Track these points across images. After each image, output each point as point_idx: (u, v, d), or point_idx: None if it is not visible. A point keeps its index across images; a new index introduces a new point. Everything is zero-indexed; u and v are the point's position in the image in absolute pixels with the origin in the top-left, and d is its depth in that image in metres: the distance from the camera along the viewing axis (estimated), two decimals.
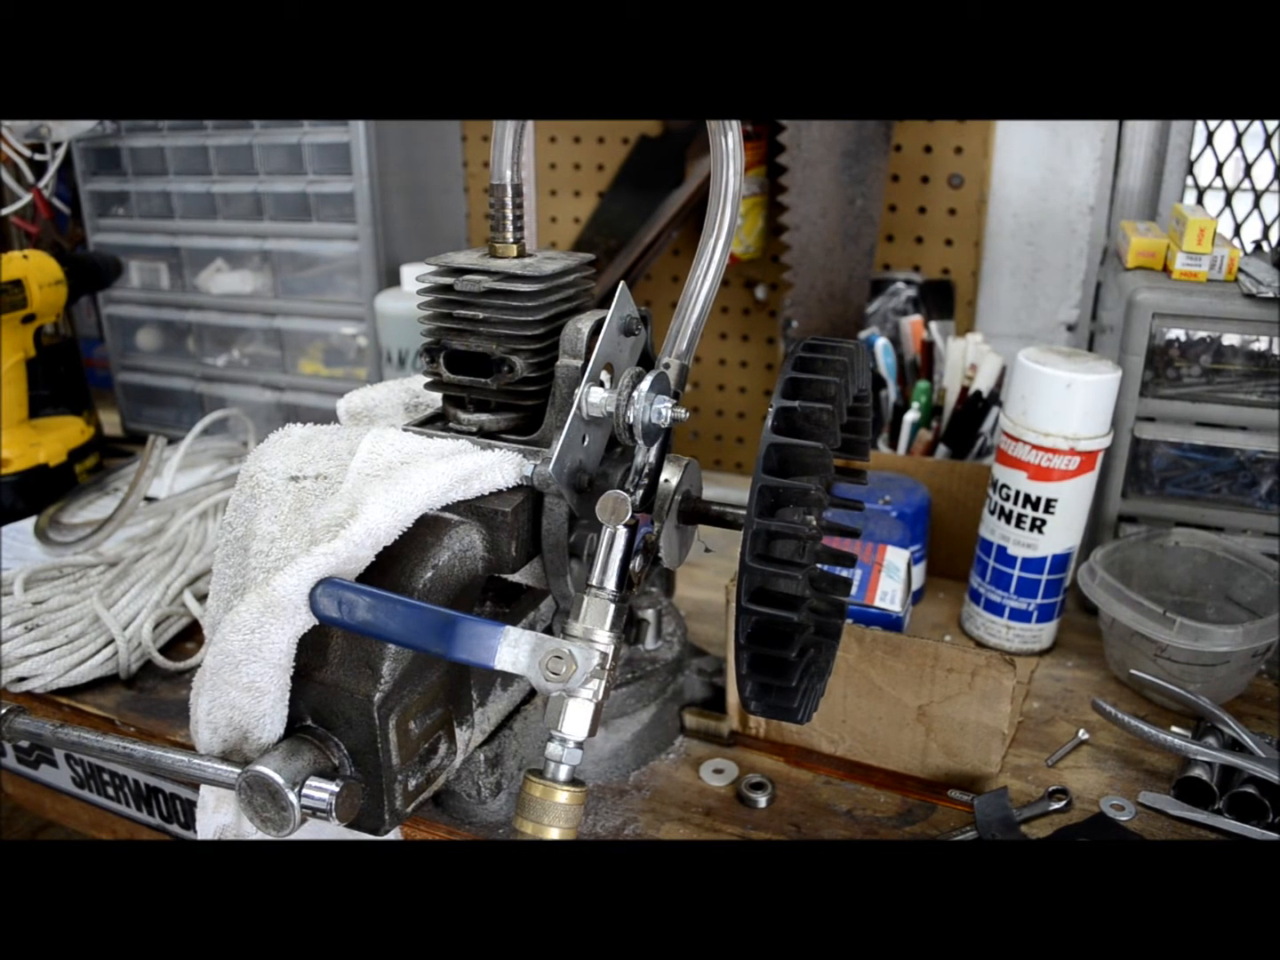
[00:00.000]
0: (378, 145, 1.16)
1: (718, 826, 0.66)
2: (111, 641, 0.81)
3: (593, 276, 0.63)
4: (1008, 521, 0.82)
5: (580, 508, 0.57)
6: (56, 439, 1.15)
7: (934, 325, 1.10)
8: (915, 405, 1.02)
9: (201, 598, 0.88)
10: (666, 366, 0.57)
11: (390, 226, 1.20)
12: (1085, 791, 0.69)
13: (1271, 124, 1.07)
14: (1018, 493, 0.81)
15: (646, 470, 0.56)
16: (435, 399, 0.68)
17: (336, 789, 0.47)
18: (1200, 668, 0.74)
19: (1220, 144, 1.10)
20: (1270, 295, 0.79)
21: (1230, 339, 0.82)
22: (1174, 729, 0.69)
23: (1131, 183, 1.11)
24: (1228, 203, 1.13)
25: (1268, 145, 1.09)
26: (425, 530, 0.52)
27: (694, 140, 1.24)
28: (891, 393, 1.05)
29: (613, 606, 0.50)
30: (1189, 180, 1.12)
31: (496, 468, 0.55)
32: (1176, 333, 0.83)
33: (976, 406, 1.00)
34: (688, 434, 1.41)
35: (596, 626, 0.50)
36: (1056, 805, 0.67)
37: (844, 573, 0.63)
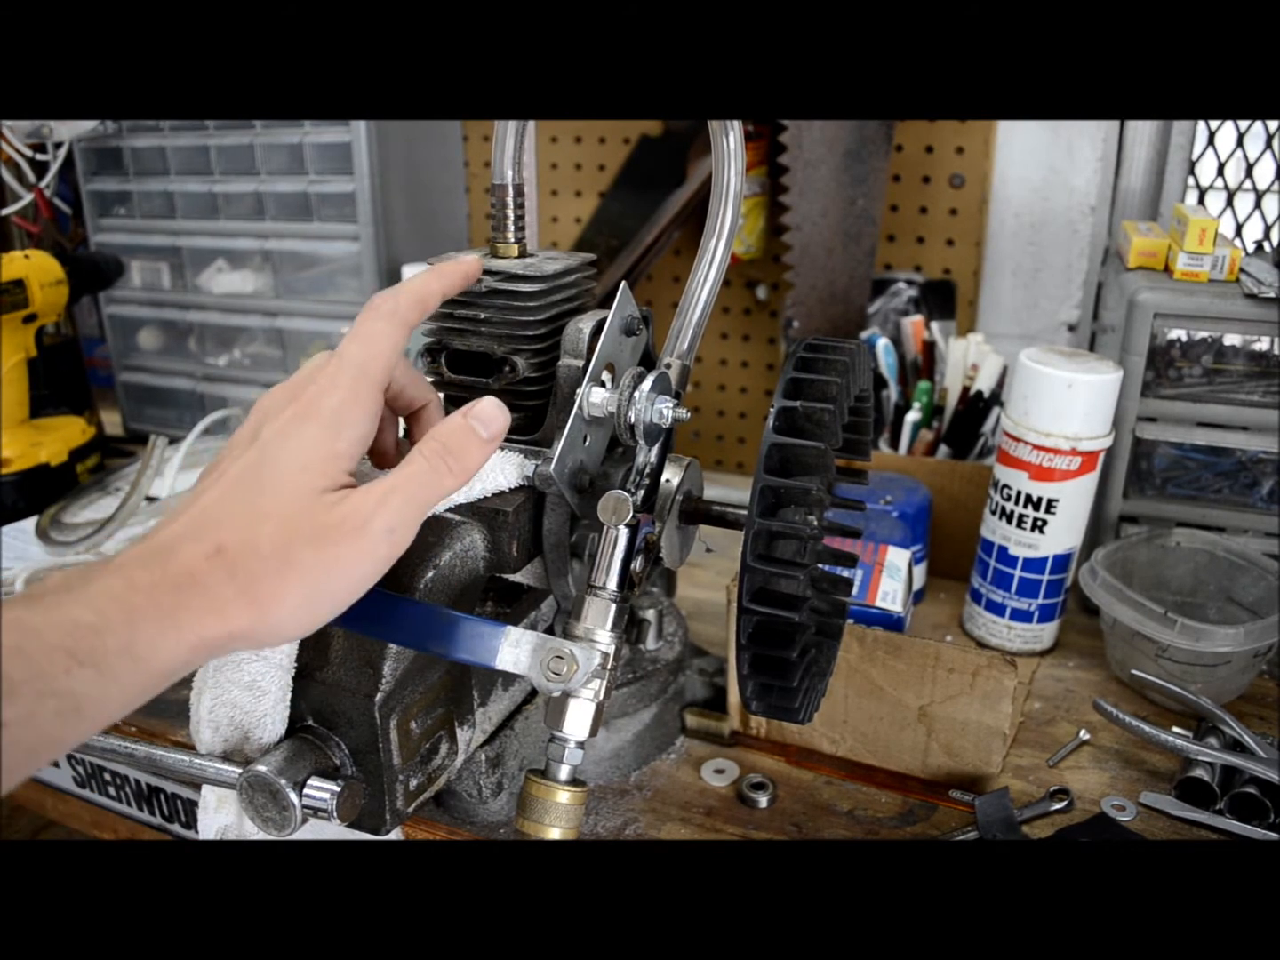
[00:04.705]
0: (379, 145, 1.16)
1: (719, 827, 0.66)
2: None
3: (594, 276, 0.63)
4: (1009, 522, 0.82)
5: (582, 508, 0.57)
6: (58, 439, 1.15)
7: (935, 325, 1.10)
8: (916, 405, 1.02)
9: None
10: (668, 366, 0.57)
11: (391, 226, 1.20)
12: (1086, 792, 0.69)
13: (1273, 124, 1.07)
14: (1019, 493, 0.81)
15: (648, 470, 0.56)
16: None
17: (338, 789, 0.47)
18: (1201, 668, 0.74)
19: (1222, 144, 1.10)
20: (1272, 295, 0.79)
21: (1232, 339, 0.82)
22: (1175, 729, 0.69)
23: (1133, 183, 1.11)
24: (1229, 203, 1.13)
25: (1269, 145, 1.09)
26: (427, 530, 0.52)
27: (695, 140, 1.24)
28: (893, 393, 1.05)
29: (614, 606, 0.50)
30: (1190, 180, 1.12)
31: (498, 468, 0.55)
32: (1178, 333, 0.83)
33: (978, 406, 1.00)
34: (689, 434, 1.41)
35: (598, 626, 0.50)
36: (1058, 805, 0.67)
37: (845, 573, 0.63)
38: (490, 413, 0.46)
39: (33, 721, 0.33)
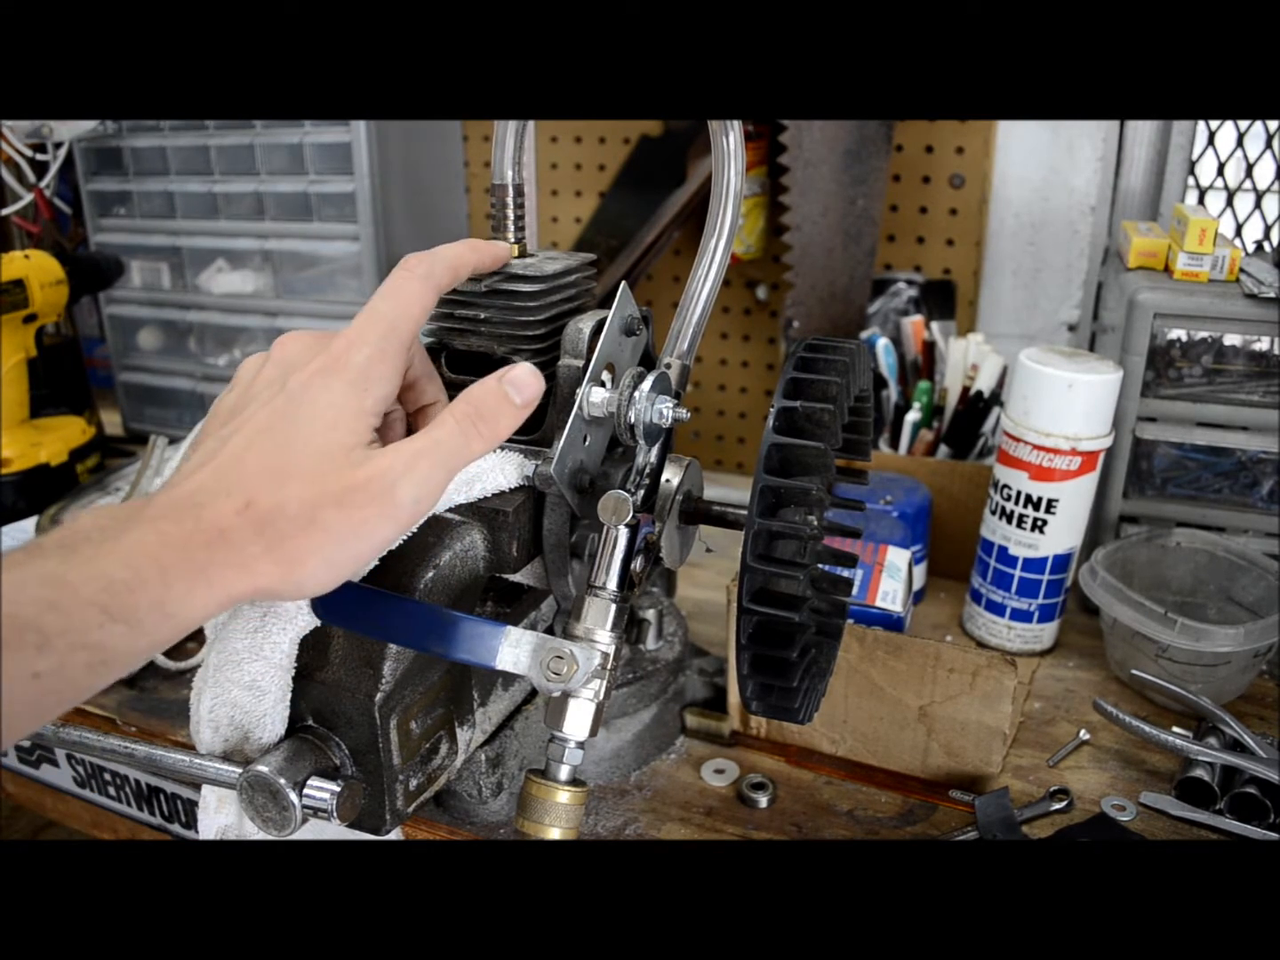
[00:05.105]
0: (379, 145, 1.16)
1: (719, 827, 0.66)
2: None
3: (594, 276, 0.63)
4: (1009, 522, 0.82)
5: (582, 508, 0.57)
6: (58, 439, 1.15)
7: (935, 325, 1.10)
8: (916, 405, 1.02)
9: None
10: (668, 366, 0.57)
11: (391, 226, 1.20)
12: (1086, 792, 0.69)
13: (1273, 124, 1.07)
14: (1019, 493, 0.81)
15: (648, 470, 0.56)
16: None
17: (338, 789, 0.47)
18: (1201, 668, 0.74)
19: (1222, 144, 1.11)
20: (1271, 295, 0.79)
21: (1232, 339, 0.82)
22: (1175, 729, 0.69)
23: (1133, 183, 1.11)
24: (1229, 203, 1.13)
25: (1269, 145, 1.09)
26: (427, 530, 0.52)
27: (695, 140, 1.24)
28: (893, 393, 1.05)
29: (614, 607, 0.50)
30: (1190, 180, 1.12)
31: (498, 468, 0.55)
32: (1178, 333, 0.83)
33: (978, 406, 1.00)
34: (689, 434, 1.41)
35: (598, 626, 0.50)
36: (1058, 805, 0.67)
37: (845, 573, 0.63)
38: (525, 379, 0.45)
39: (63, 672, 0.34)
